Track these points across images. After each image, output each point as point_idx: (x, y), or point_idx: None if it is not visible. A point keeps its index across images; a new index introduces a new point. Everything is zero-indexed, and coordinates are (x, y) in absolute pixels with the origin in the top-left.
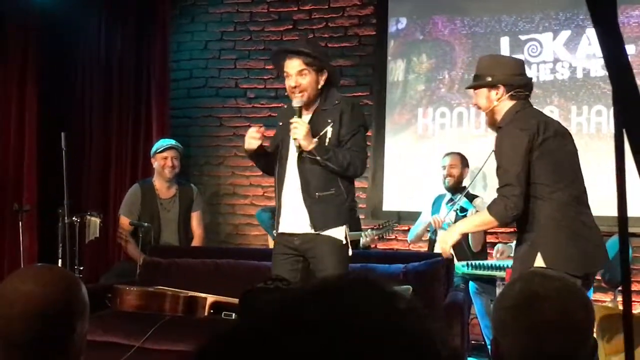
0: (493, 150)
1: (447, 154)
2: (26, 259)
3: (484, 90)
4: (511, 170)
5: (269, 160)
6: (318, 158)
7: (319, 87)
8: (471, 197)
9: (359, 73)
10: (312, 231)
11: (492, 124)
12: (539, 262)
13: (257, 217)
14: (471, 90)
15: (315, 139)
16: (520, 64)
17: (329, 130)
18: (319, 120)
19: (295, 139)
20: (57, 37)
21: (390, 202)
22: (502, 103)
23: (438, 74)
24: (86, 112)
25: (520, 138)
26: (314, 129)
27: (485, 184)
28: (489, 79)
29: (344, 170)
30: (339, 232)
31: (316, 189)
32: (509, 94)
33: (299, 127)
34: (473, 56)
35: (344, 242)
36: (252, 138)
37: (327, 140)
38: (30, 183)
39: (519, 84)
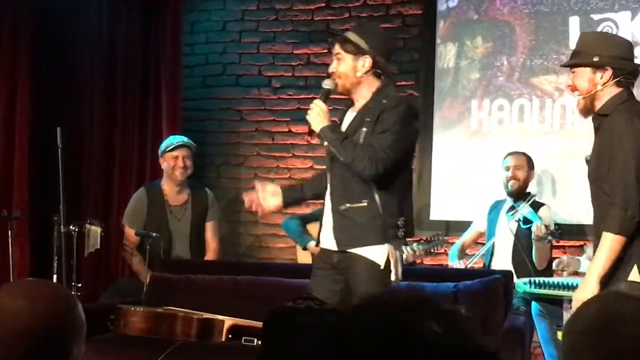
0: (587, 157)
1: (511, 154)
2: (16, 272)
3: (587, 71)
4: (632, 172)
5: (314, 185)
6: (325, 143)
7: (358, 75)
8: (537, 206)
9: (402, 59)
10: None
11: (588, 111)
12: (635, 275)
13: (284, 226)
14: (536, 79)
15: (327, 122)
16: (631, 46)
17: (363, 130)
18: (360, 119)
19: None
20: (52, 19)
21: (439, 210)
22: (608, 89)
23: (495, 59)
24: (86, 104)
25: None
26: (351, 128)
27: (554, 190)
28: (596, 58)
29: (348, 164)
30: (376, 253)
31: (342, 199)
32: (617, 79)
33: (314, 108)
34: (536, 39)
35: (382, 266)
36: (271, 194)
37: (361, 140)
38: (21, 186)
39: (629, 70)
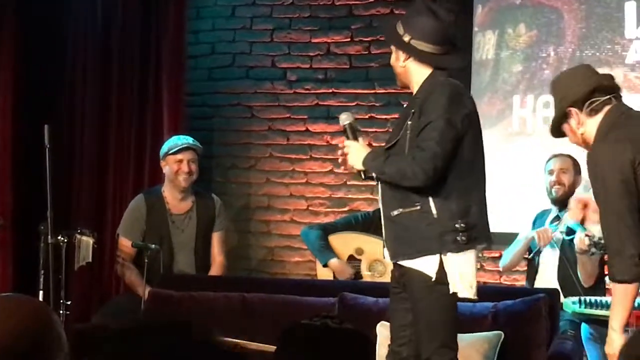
0: None
1: (555, 156)
2: None
3: (565, 125)
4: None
5: None
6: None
7: (400, 64)
8: None
9: None
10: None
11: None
12: None
13: (303, 237)
14: None
15: (365, 154)
16: (575, 71)
17: (407, 124)
18: (405, 113)
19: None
20: (39, 2)
21: None
22: (589, 127)
23: (540, 50)
24: (77, 98)
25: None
26: (397, 125)
27: None
28: (560, 110)
29: (398, 182)
30: (428, 264)
31: (391, 205)
32: (588, 112)
33: (348, 150)
34: (587, 27)
35: (434, 278)
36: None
37: (407, 135)
38: (3, 190)
39: (584, 94)
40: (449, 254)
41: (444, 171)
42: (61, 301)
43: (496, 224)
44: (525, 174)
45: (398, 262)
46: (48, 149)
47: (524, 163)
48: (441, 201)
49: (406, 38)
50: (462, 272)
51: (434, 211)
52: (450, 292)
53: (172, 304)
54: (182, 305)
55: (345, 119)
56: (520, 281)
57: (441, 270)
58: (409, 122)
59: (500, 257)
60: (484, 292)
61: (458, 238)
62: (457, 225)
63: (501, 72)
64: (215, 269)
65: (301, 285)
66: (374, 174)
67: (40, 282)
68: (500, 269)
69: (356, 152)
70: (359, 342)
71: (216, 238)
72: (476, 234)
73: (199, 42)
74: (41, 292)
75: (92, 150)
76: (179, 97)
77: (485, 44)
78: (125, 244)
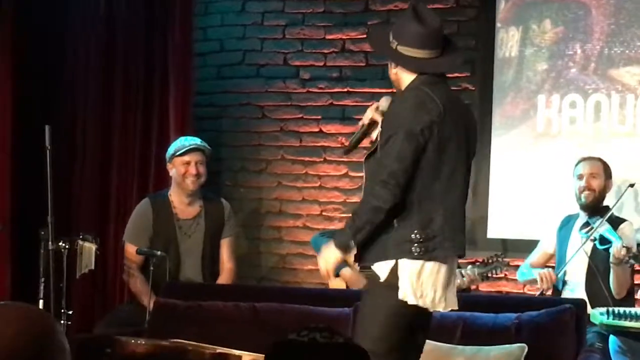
0: None
1: (585, 159)
2: None
3: None
4: None
5: None
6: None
7: (394, 73)
8: (616, 222)
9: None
10: None
11: None
12: None
13: (313, 245)
14: (615, 71)
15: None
16: None
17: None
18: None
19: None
20: None
21: (497, 226)
22: None
23: (567, 47)
24: (79, 97)
25: None
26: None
27: (637, 203)
28: None
29: (379, 216)
30: (381, 267)
31: None
32: None
33: (320, 263)
34: (616, 23)
35: (382, 279)
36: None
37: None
38: (2, 194)
39: None
40: (404, 259)
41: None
42: (62, 310)
43: (520, 231)
44: (550, 178)
45: (360, 270)
46: (49, 151)
47: (550, 166)
48: (402, 212)
49: (393, 45)
50: (414, 281)
51: (395, 222)
52: (399, 297)
53: (178, 313)
54: (189, 315)
55: (384, 105)
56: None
57: (393, 275)
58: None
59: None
60: (508, 302)
61: (413, 249)
62: (412, 236)
63: (525, 70)
64: (224, 277)
65: (315, 294)
66: (353, 241)
67: (40, 290)
68: (520, 281)
69: (325, 253)
70: (352, 357)
71: (225, 244)
72: (435, 245)
73: (207, 38)
74: (41, 301)
75: (94, 152)
76: (186, 96)
77: (508, 41)
78: (131, 251)
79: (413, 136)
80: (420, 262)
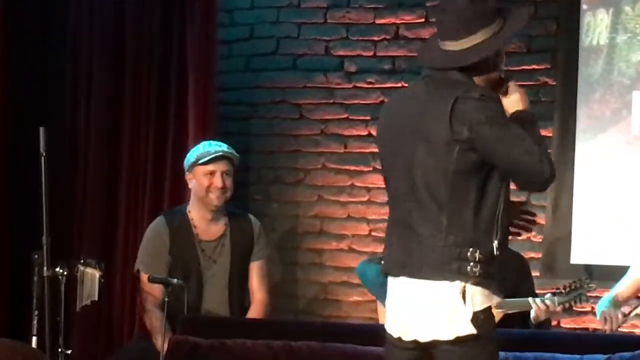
0: None
1: None
2: None
3: None
4: None
5: None
6: None
7: None
8: None
9: (532, 32)
10: None
11: None
12: None
13: (359, 273)
14: None
15: None
16: None
17: None
18: None
19: None
20: None
21: (582, 249)
22: None
23: None
24: (81, 96)
25: None
26: None
27: None
28: None
29: None
30: None
31: None
32: None
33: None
34: None
35: None
36: None
37: None
38: None
39: None
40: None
41: None
42: (59, 350)
43: (610, 255)
44: None
45: None
46: (44, 157)
47: None
48: None
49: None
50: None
51: None
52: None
53: (199, 354)
54: (213, 356)
55: None
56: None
57: None
58: None
59: None
60: (596, 341)
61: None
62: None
63: (617, 61)
64: (255, 310)
65: (362, 331)
66: None
67: (33, 325)
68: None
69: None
70: None
71: (255, 269)
72: (384, 266)
73: (234, 23)
74: (34, 338)
75: (99, 161)
76: (209, 93)
77: (596, 27)
78: (146, 281)
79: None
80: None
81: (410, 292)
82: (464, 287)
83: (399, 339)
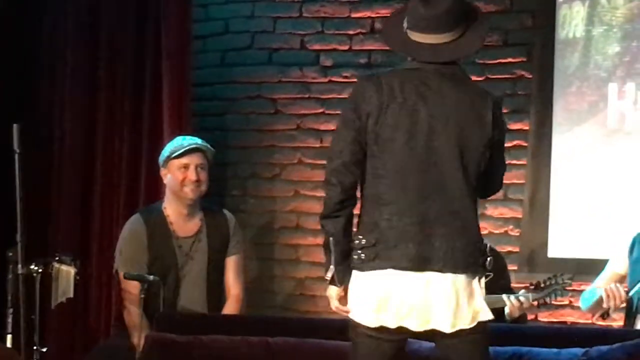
0: None
1: None
2: None
3: None
4: None
5: None
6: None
7: None
8: None
9: (509, 25)
10: None
11: None
12: None
13: None
14: None
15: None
16: None
17: None
18: None
19: None
20: None
21: (560, 244)
22: None
23: None
24: (56, 90)
25: None
26: None
27: None
28: None
29: (329, 212)
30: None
31: None
32: None
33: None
34: None
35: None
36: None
37: None
38: None
39: None
40: (354, 271)
41: (351, 176)
42: (35, 348)
43: (587, 249)
44: (624, 185)
45: None
46: (18, 155)
47: (623, 170)
48: (360, 214)
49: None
50: (359, 295)
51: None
52: (350, 314)
53: (176, 351)
54: (188, 352)
55: None
56: (618, 321)
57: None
58: None
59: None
60: (573, 334)
61: (356, 256)
62: (356, 242)
63: (593, 54)
64: (231, 306)
65: (339, 326)
66: (333, 252)
67: (7, 323)
68: (583, 309)
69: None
70: None
71: (231, 264)
72: (377, 252)
73: (208, 18)
74: (9, 336)
75: (74, 157)
76: (183, 88)
77: (572, 19)
78: (128, 282)
79: (348, 124)
80: (366, 272)
81: (434, 285)
82: (480, 277)
83: (380, 328)
